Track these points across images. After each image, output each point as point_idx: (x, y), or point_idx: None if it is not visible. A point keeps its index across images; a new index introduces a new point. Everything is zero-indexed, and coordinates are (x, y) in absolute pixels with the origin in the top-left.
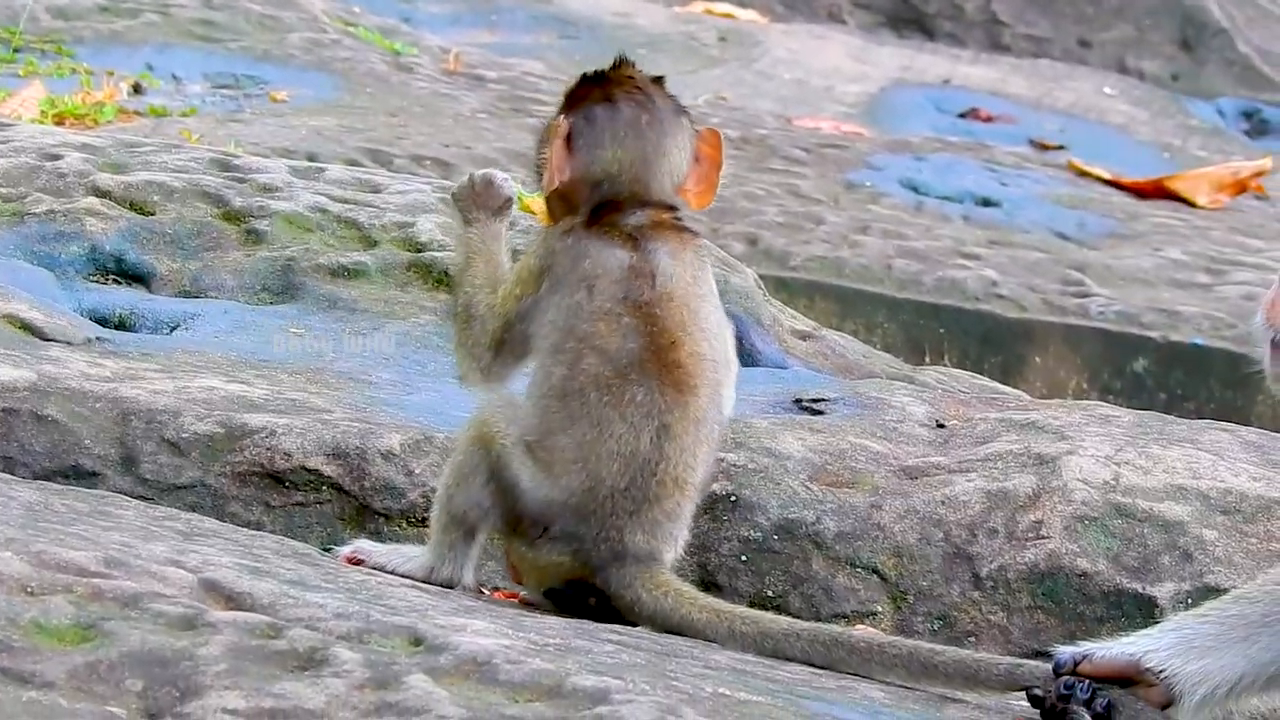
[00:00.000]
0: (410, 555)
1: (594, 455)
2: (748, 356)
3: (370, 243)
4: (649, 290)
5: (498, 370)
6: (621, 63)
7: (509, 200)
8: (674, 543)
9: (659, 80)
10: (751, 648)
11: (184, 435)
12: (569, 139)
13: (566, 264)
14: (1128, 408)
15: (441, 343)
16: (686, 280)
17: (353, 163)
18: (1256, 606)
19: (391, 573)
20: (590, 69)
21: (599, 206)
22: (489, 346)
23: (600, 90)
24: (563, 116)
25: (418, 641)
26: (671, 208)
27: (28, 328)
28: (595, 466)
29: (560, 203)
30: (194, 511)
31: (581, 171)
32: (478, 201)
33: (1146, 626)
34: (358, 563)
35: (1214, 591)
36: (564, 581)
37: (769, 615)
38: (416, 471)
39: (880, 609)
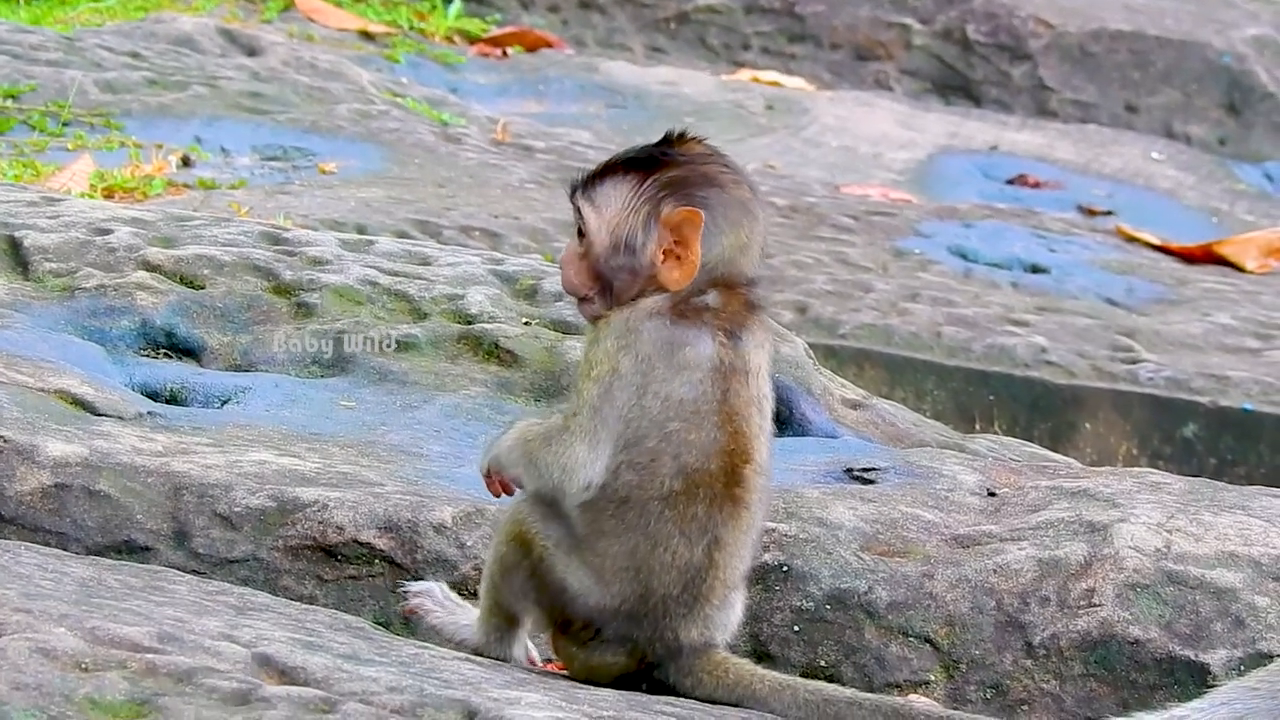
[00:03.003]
0: (464, 624)
1: (646, 566)
2: (798, 426)
3: (420, 315)
4: (744, 391)
5: (603, 468)
6: (685, 136)
7: None
8: (727, 627)
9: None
10: (814, 717)
11: (236, 509)
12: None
13: (657, 348)
14: (1178, 474)
15: (492, 414)
16: (766, 374)
17: (402, 234)
18: None
19: (445, 640)
20: (649, 143)
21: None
22: (588, 445)
23: (691, 170)
24: (679, 205)
25: (471, 715)
26: (753, 282)
27: (79, 403)
28: (647, 576)
29: (633, 284)
30: (246, 586)
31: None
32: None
33: (1199, 693)
34: (412, 613)
35: (1266, 658)
36: (615, 678)
37: (831, 686)
38: (468, 544)
39: (933, 678)
